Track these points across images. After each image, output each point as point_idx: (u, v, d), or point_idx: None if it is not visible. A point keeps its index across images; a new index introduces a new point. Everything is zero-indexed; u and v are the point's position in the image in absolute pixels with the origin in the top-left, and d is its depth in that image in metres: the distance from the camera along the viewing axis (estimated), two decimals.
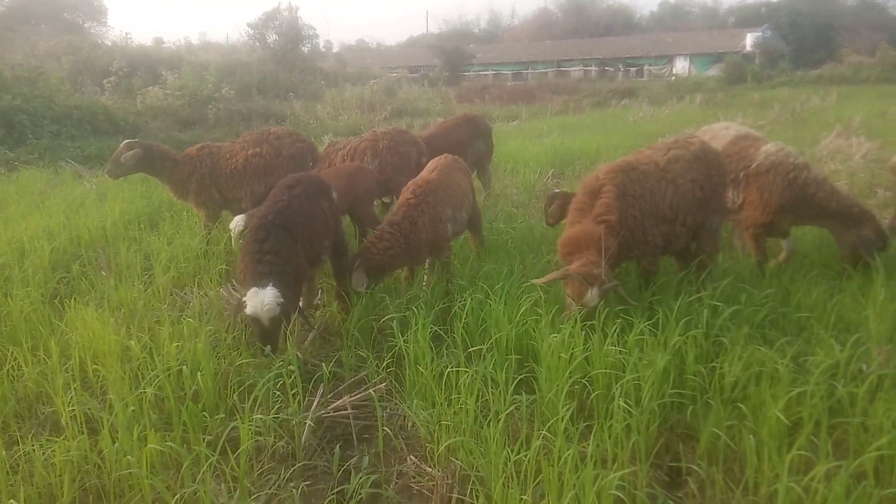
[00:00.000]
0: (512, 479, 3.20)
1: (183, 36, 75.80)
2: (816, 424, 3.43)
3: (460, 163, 6.38)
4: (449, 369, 3.97)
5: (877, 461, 3.28)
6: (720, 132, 6.64)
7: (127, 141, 7.35)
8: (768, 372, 3.80)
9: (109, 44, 29.96)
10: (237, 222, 6.44)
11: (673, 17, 76.29)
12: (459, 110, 25.64)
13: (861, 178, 10.11)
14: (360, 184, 6.71)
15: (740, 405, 3.66)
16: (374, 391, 4.09)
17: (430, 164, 6.18)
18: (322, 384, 4.32)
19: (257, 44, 34.32)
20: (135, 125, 17.89)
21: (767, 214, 5.88)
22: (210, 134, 18.11)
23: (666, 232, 4.99)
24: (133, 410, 3.78)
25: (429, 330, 4.41)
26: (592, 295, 4.39)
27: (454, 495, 3.38)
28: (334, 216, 5.30)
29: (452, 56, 47.67)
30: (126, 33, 34.82)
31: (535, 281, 4.78)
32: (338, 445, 3.71)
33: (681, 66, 52.56)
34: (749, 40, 49.77)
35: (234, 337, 4.82)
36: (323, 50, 51.96)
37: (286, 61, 31.54)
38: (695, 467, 3.40)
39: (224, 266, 6.37)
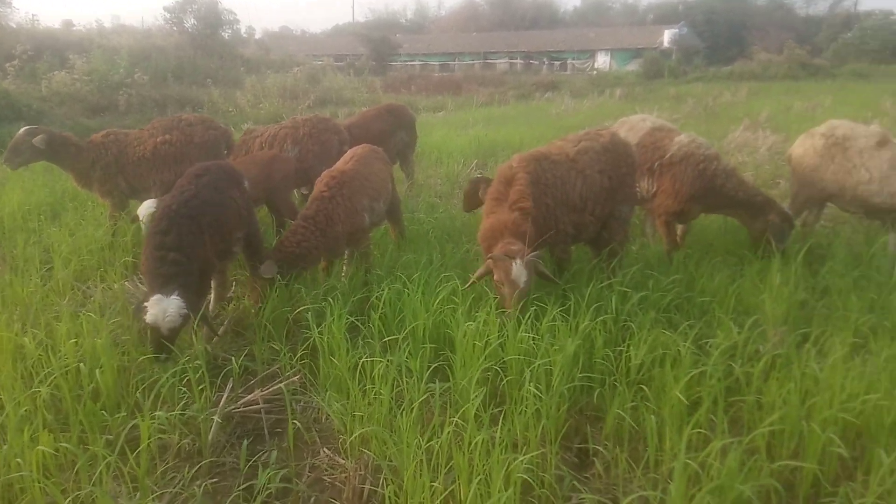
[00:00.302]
0: (423, 466, 3.20)
1: (94, 19, 71.83)
2: (714, 403, 3.59)
3: (378, 153, 6.29)
4: (363, 360, 3.93)
5: (769, 436, 3.48)
6: (637, 123, 6.86)
7: (27, 127, 6.93)
8: (672, 354, 3.95)
9: (14, 26, 27.97)
10: (146, 207, 6.15)
11: (595, 12, 78.19)
12: (385, 100, 25.49)
13: (766, 170, 10.67)
14: (277, 172, 6.55)
15: (643, 387, 3.79)
16: (285, 384, 4.01)
17: (347, 155, 6.08)
18: (231, 379, 4.20)
19: (174, 28, 32.87)
20: (39, 111, 16.88)
21: (679, 203, 6.11)
22: (121, 121, 17.29)
23: (576, 221, 5.11)
24: (26, 410, 3.58)
25: (345, 321, 4.36)
26: (518, 267, 4.34)
27: (367, 486, 3.36)
28: (247, 206, 5.14)
29: (379, 45, 47.18)
30: (33, 15, 32.51)
31: (465, 287, 4.75)
32: (245, 441, 3.61)
33: (602, 60, 53.95)
34: (667, 37, 51.58)
35: (138, 332, 4.62)
36: (245, 36, 50.44)
37: (205, 47, 30.36)
38: (600, 448, 3.50)
39: (130, 258, 6.10)
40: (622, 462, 3.37)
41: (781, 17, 61.33)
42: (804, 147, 6.82)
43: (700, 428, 3.49)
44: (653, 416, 3.43)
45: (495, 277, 4.51)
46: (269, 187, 6.53)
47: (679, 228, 6.60)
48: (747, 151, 12.05)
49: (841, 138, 6.50)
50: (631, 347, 4.07)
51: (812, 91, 24.57)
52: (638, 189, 6.39)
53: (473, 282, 4.66)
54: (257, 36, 60.05)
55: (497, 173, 5.13)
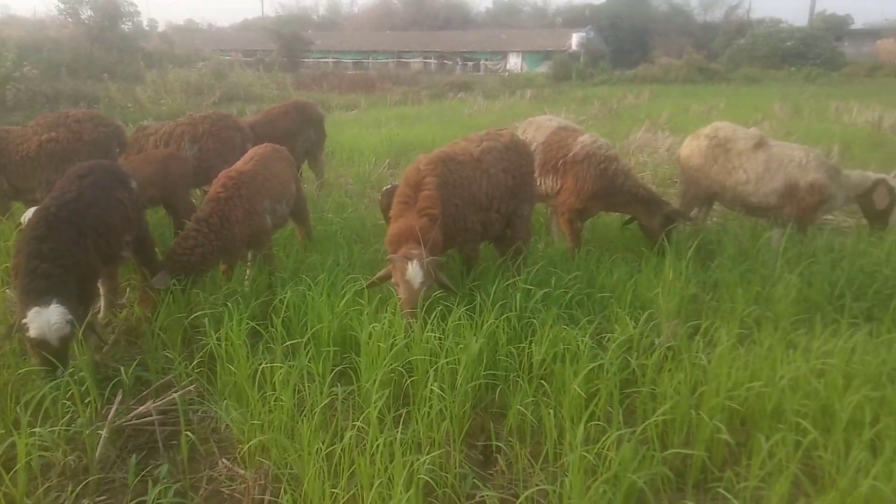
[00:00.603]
0: (325, 473, 3.14)
1: None
2: (611, 396, 3.71)
3: (281, 152, 6.11)
4: (262, 366, 3.81)
5: (662, 426, 3.62)
6: (544, 123, 7.02)
7: None
8: (572, 350, 4.05)
9: None
10: (30, 215, 5.75)
11: (507, 14, 79.53)
12: (296, 97, 25.00)
13: (664, 170, 11.15)
14: (173, 172, 6.27)
15: (543, 382, 3.87)
16: (179, 394, 3.84)
17: (248, 154, 5.88)
18: (121, 390, 3.99)
19: (69, 19, 30.98)
20: None
21: (581, 201, 6.29)
22: (8, 117, 16.13)
23: (483, 219, 5.17)
24: None
25: (246, 326, 4.23)
26: (414, 268, 4.34)
27: (266, 497, 3.27)
28: (135, 208, 4.87)
29: (290, 41, 46.10)
30: None
31: (366, 285, 4.72)
32: (133, 455, 3.43)
33: (513, 62, 54.95)
34: (574, 40, 53.16)
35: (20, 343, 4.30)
36: (147, 29, 48.26)
37: (103, 39, 28.79)
38: (502, 445, 3.54)
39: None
40: (523, 457, 3.42)
41: (681, 23, 64.37)
42: (690, 148, 7.21)
43: (598, 420, 3.60)
44: (551, 411, 3.50)
45: (393, 279, 4.50)
46: (166, 187, 6.24)
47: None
48: (648, 152, 12.56)
49: (723, 140, 6.91)
50: (533, 344, 4.15)
51: (708, 94, 25.91)
52: (543, 187, 6.54)
53: (373, 283, 4.62)
54: (160, 29, 57.67)
55: (404, 176, 5.10)
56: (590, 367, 3.81)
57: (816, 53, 44.56)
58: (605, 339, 4.31)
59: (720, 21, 67.99)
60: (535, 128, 6.95)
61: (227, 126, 7.35)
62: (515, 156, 5.41)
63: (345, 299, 4.55)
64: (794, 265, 5.40)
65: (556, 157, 6.49)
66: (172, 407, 3.93)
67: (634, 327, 4.34)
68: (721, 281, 5.37)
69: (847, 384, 3.73)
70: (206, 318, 4.38)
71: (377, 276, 4.61)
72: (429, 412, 3.55)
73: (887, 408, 3.57)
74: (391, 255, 4.48)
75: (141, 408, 3.94)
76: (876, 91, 26.99)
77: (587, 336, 4.10)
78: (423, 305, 4.37)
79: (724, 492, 3.10)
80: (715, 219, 8.06)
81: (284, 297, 4.59)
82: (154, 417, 3.87)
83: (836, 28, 58.88)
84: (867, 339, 4.25)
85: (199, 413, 3.99)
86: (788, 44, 45.52)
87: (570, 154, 6.40)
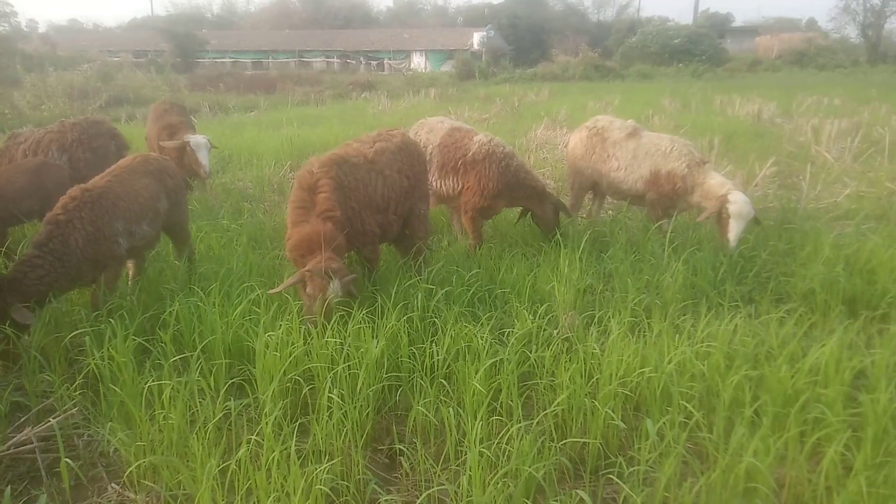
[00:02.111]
0: (218, 490, 3.01)
1: None
2: (510, 390, 3.76)
3: (152, 163, 5.48)
4: (148, 384, 3.61)
5: (561, 416, 3.71)
6: (436, 125, 7.04)
7: None
8: (473, 347, 4.08)
9: None
10: None
11: (408, 13, 79.65)
12: (191, 99, 24.00)
13: (563, 166, 11.44)
14: (48, 181, 5.86)
15: (443, 381, 3.88)
16: (58, 419, 3.59)
17: (113, 166, 5.30)
18: None
19: None
20: None
21: (485, 199, 6.38)
22: None
23: (381, 221, 5.13)
24: None
25: (132, 342, 4.00)
26: (335, 287, 4.32)
27: None
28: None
29: (183, 41, 44.29)
30: None
31: (271, 291, 4.58)
32: (9, 486, 3.18)
33: (417, 61, 55.07)
34: (476, 39, 53.84)
35: None
36: (26, 30, 45.16)
37: None
38: (404, 448, 3.52)
39: None
40: (425, 458, 3.41)
41: (576, 22, 66.48)
42: (574, 140, 7.58)
43: (500, 415, 3.64)
44: (451, 410, 3.51)
45: (308, 290, 4.40)
46: (43, 197, 5.82)
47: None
48: (548, 148, 12.88)
49: (601, 130, 7.28)
50: (434, 343, 4.15)
51: (604, 91, 26.88)
52: (444, 188, 6.57)
53: (280, 290, 4.48)
54: (41, 30, 54.01)
55: (297, 180, 4.97)
56: (490, 362, 3.86)
57: (702, 50, 47.14)
58: (506, 334, 4.37)
59: (612, 20, 70.85)
60: (428, 129, 6.97)
61: (100, 133, 6.92)
62: (408, 156, 5.40)
63: (239, 308, 4.40)
64: (681, 253, 5.67)
65: (454, 158, 6.53)
66: (54, 433, 3.67)
67: (533, 321, 4.42)
68: (614, 271, 5.57)
69: (729, 365, 3.95)
70: (88, 337, 4.11)
71: (289, 281, 4.46)
72: (329, 420, 3.48)
73: (765, 385, 3.81)
74: (310, 267, 4.35)
75: (19, 435, 3.66)
76: (756, 85, 28.93)
77: (487, 332, 4.15)
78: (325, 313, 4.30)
79: (615, 478, 3.20)
80: (610, 211, 8.36)
81: (173, 310, 4.38)
82: (35, 445, 3.60)
83: (719, 25, 62.74)
84: (747, 321, 4.52)
85: (85, 437, 3.75)
86: (676, 41, 47.93)
87: (470, 154, 6.46)
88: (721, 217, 6.11)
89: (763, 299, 5.06)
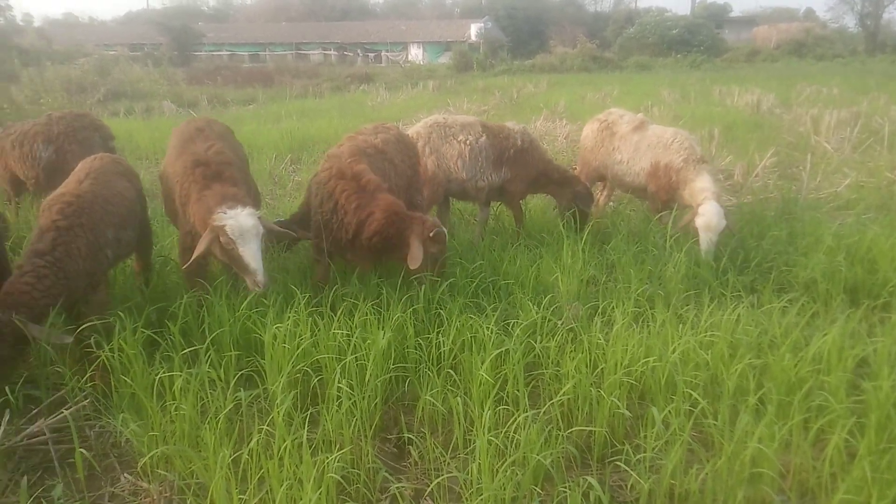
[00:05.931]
0: (232, 479, 3.06)
1: None
2: (517, 379, 3.80)
3: (121, 164, 5.13)
4: (160, 376, 3.65)
5: (566, 405, 3.76)
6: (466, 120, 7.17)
7: None
8: (479, 338, 4.12)
9: None
10: None
11: (405, 4, 79.44)
12: (189, 93, 23.97)
13: (563, 157, 11.48)
14: None
15: (450, 371, 3.92)
16: (71, 411, 3.63)
17: (80, 168, 4.78)
18: (9, 410, 3.72)
19: None
20: None
21: (528, 185, 6.81)
22: None
23: None
24: None
25: (140, 335, 4.03)
26: None
27: None
28: None
29: (180, 34, 44.10)
30: None
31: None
32: (26, 477, 3.22)
33: (415, 53, 54.98)
34: (473, 30, 53.73)
35: None
36: (21, 24, 45.01)
37: None
38: (413, 437, 3.57)
39: None
40: (434, 447, 3.45)
41: (574, 12, 66.34)
42: (586, 132, 7.72)
43: (506, 405, 3.69)
44: (459, 399, 3.56)
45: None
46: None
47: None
48: (548, 140, 12.89)
49: (610, 123, 7.38)
50: (440, 334, 4.19)
51: (603, 82, 26.87)
52: (496, 179, 6.70)
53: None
54: (36, 24, 53.82)
55: (335, 173, 4.87)
56: (496, 353, 3.90)
57: (700, 41, 47.09)
58: (511, 324, 4.41)
59: (610, 11, 70.69)
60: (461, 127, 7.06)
61: (85, 126, 6.90)
62: (405, 147, 5.57)
63: (247, 300, 4.43)
64: (683, 243, 5.71)
65: (505, 147, 6.67)
66: (67, 424, 3.71)
67: (537, 312, 4.46)
68: (617, 262, 5.60)
69: (732, 354, 4.00)
70: (96, 330, 4.14)
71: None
72: (338, 410, 3.52)
73: (768, 374, 3.86)
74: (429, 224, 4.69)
75: (32, 427, 3.70)
76: (754, 75, 28.94)
77: (493, 323, 4.19)
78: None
79: (622, 465, 3.25)
80: (612, 203, 8.39)
81: (181, 303, 4.42)
82: (48, 436, 3.64)
83: (717, 16, 62.65)
84: (749, 310, 4.56)
85: (97, 428, 3.80)
86: (674, 32, 47.86)
87: (519, 144, 6.68)
88: (692, 225, 5.95)
89: (765, 289, 5.09)
